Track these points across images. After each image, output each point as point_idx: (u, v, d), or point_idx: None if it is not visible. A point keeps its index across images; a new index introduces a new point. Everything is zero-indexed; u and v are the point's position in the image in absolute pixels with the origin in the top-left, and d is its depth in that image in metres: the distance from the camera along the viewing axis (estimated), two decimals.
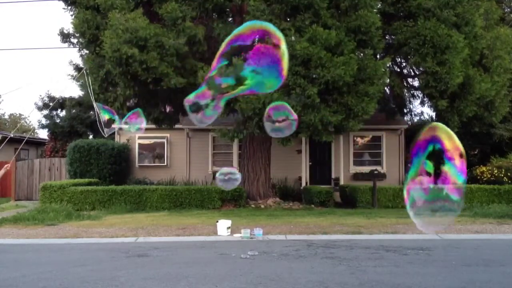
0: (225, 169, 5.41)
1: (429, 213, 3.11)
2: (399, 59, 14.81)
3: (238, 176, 5.38)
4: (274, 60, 3.02)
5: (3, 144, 9.46)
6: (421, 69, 13.29)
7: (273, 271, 5.78)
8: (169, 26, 11.48)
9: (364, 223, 10.11)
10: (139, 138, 17.92)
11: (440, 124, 3.14)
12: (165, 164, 17.95)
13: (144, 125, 6.49)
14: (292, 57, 10.28)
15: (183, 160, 17.88)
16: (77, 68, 14.86)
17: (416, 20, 12.17)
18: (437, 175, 3.02)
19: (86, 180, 15.09)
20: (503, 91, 13.42)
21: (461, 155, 2.95)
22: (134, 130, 6.47)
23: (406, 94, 16.53)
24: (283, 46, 3.00)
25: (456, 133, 3.21)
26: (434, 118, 15.54)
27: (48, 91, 41.50)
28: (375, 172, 14.60)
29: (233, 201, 13.61)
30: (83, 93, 18.89)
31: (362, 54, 11.84)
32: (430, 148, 3.06)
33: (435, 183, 3.03)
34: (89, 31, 12.16)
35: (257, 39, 3.11)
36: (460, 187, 2.97)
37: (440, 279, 5.38)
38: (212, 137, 17.51)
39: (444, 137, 3.03)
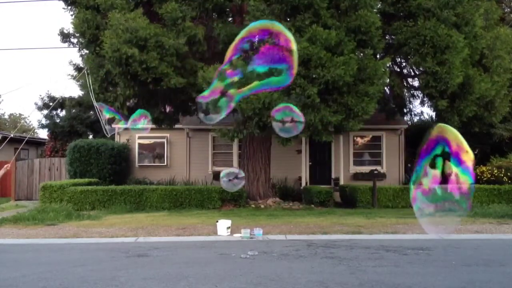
0: (230, 170, 5.42)
1: (438, 216, 3.10)
2: (399, 59, 14.80)
3: (243, 175, 5.41)
4: (286, 59, 3.05)
5: (3, 144, 9.47)
6: (421, 69, 13.28)
7: (273, 271, 5.78)
8: (169, 26, 11.49)
9: (364, 223, 10.11)
10: (139, 138, 17.92)
11: (448, 126, 3.13)
12: (165, 164, 17.94)
13: (149, 125, 6.62)
14: None
15: (183, 160, 17.87)
16: (77, 68, 14.87)
17: (416, 20, 12.16)
18: (447, 177, 3.01)
19: (86, 180, 15.10)
20: (503, 91, 13.41)
21: (470, 158, 2.94)
22: (140, 129, 6.56)
23: (406, 94, 16.52)
24: (294, 47, 3.04)
25: None
26: (434, 118, 15.56)
27: (48, 91, 41.54)
28: (375, 172, 14.62)
29: (233, 201, 13.61)
30: (83, 93, 18.87)
31: (362, 54, 11.84)
32: (439, 149, 3.05)
33: (444, 185, 3.02)
34: (89, 31, 12.16)
35: (267, 38, 3.15)
36: (469, 189, 2.96)
37: (440, 279, 5.38)
38: (212, 137, 17.49)
39: (452, 139, 3.02)
